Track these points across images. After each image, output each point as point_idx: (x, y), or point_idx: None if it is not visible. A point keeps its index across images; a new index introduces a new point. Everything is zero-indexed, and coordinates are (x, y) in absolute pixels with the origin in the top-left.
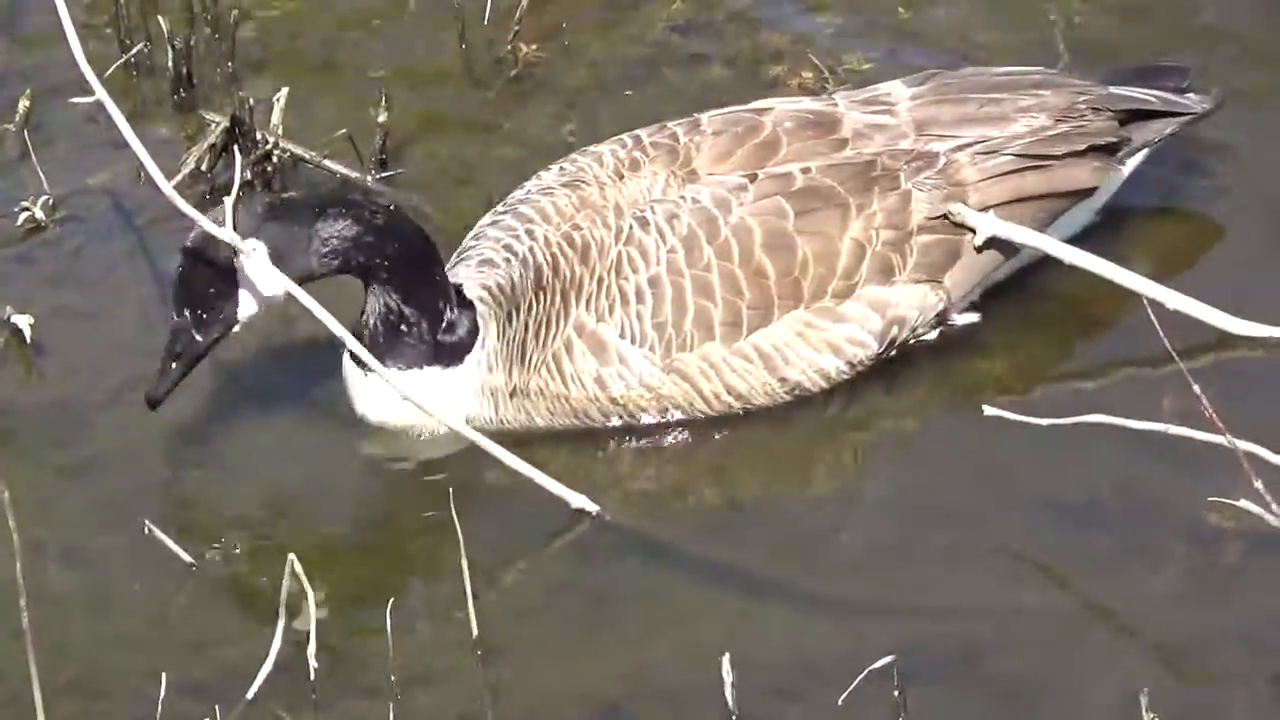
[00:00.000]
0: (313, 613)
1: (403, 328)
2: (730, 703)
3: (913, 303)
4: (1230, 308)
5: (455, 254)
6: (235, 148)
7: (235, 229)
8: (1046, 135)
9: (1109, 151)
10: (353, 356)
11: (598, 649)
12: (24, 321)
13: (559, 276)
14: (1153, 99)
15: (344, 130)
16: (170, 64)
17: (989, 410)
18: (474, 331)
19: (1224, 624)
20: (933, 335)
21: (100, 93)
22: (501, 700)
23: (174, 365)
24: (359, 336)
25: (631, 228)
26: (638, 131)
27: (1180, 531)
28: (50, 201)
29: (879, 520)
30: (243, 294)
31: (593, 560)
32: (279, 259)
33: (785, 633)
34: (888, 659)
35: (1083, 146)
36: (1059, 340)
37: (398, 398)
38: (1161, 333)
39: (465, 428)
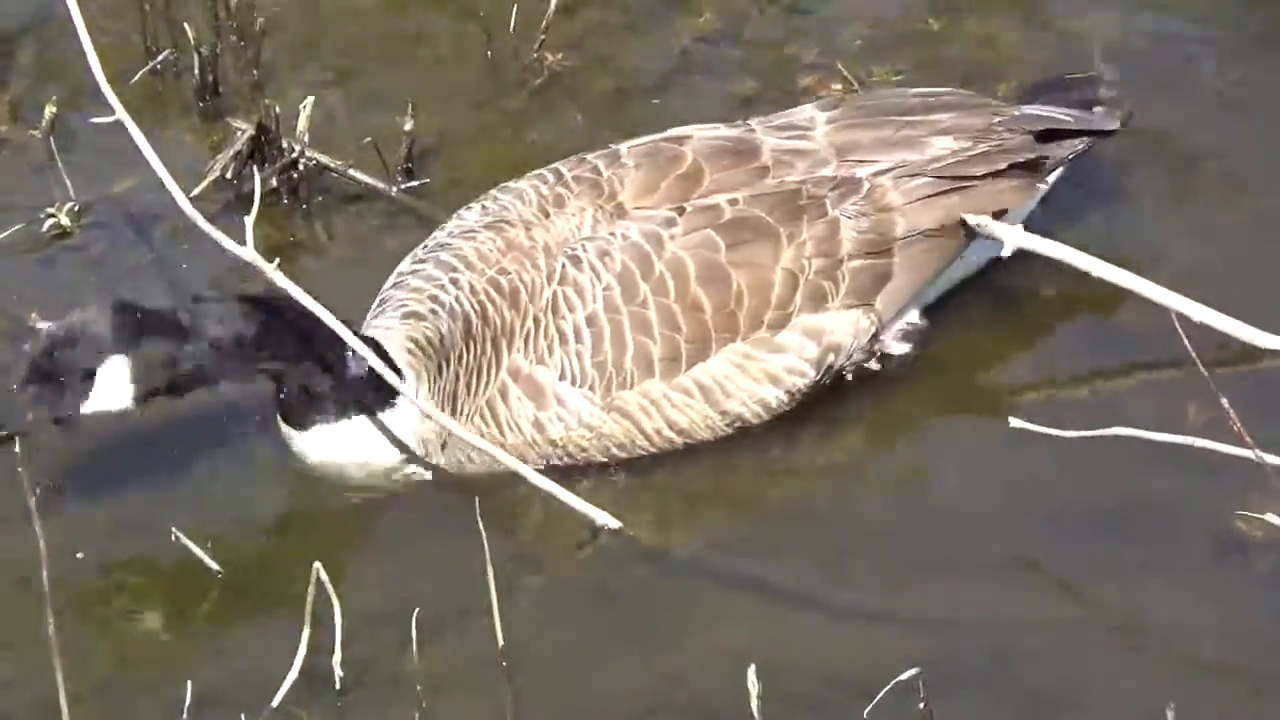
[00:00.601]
0: (338, 621)
1: (311, 383)
2: (756, 714)
3: (847, 328)
4: (1254, 318)
5: (376, 300)
6: (258, 157)
7: (106, 341)
8: (966, 156)
9: (1029, 169)
10: (281, 408)
11: (623, 659)
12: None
13: (488, 324)
14: (1066, 118)
15: (369, 139)
16: (196, 71)
17: (1015, 422)
18: (393, 369)
19: (1253, 636)
20: (875, 365)
21: (120, 113)
22: (526, 709)
23: None
24: (279, 402)
25: (564, 267)
26: (557, 165)
27: (1208, 543)
28: (75, 208)
29: (904, 532)
30: (92, 396)
31: (618, 571)
32: (137, 379)
33: (811, 643)
34: (913, 671)
35: (1004, 165)
36: (1080, 350)
37: (334, 440)
38: (1190, 346)
39: (487, 444)
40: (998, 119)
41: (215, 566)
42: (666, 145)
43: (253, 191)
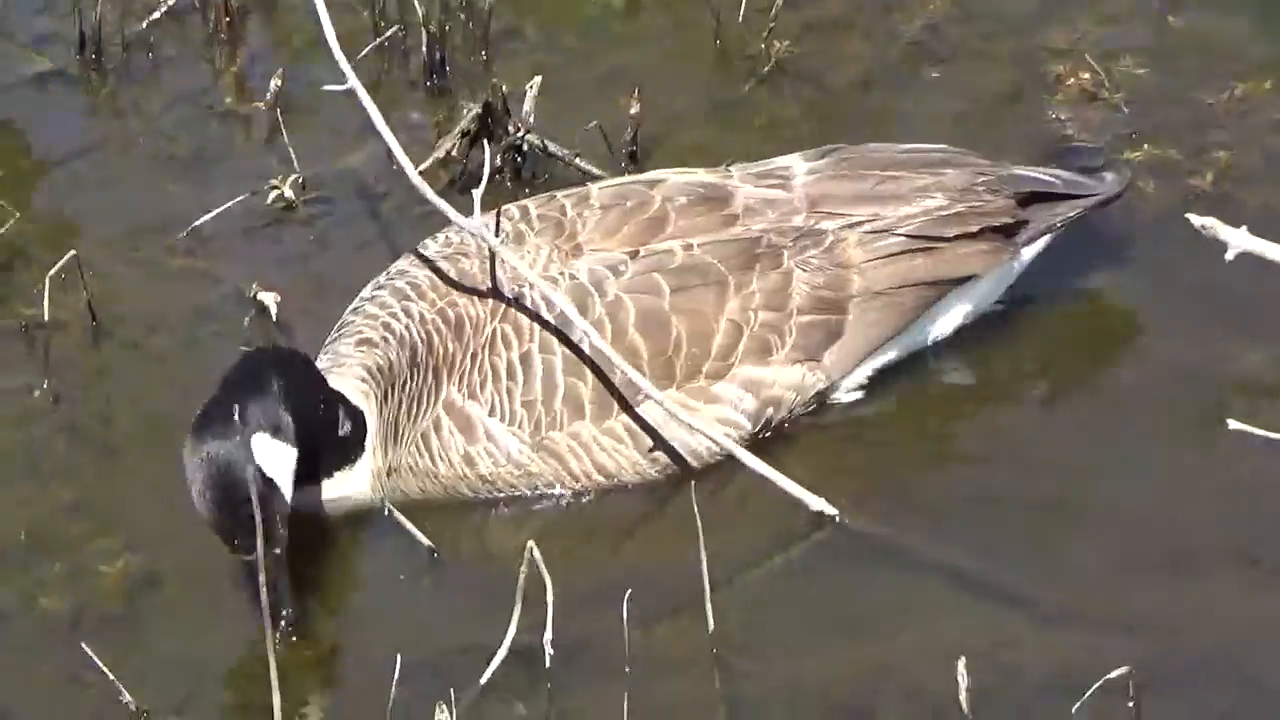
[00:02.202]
0: (550, 600)
1: (319, 449)
2: (964, 706)
3: (789, 383)
4: None
5: (335, 328)
6: (484, 136)
7: (241, 446)
8: (939, 215)
9: (1005, 234)
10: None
11: (835, 647)
12: (270, 299)
13: (432, 353)
14: (1054, 180)
15: (595, 122)
16: (423, 48)
17: (1233, 425)
18: (362, 424)
19: None
20: (810, 411)
21: (353, 81)
22: (736, 694)
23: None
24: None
25: (508, 304)
26: (526, 203)
27: None
28: (300, 181)
29: (1119, 530)
30: (281, 483)
31: (833, 559)
32: (283, 434)
33: (1023, 638)
34: (1123, 669)
35: (976, 228)
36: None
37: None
38: None
39: (716, 431)
40: (982, 178)
41: (430, 544)
42: (636, 189)
43: (475, 171)
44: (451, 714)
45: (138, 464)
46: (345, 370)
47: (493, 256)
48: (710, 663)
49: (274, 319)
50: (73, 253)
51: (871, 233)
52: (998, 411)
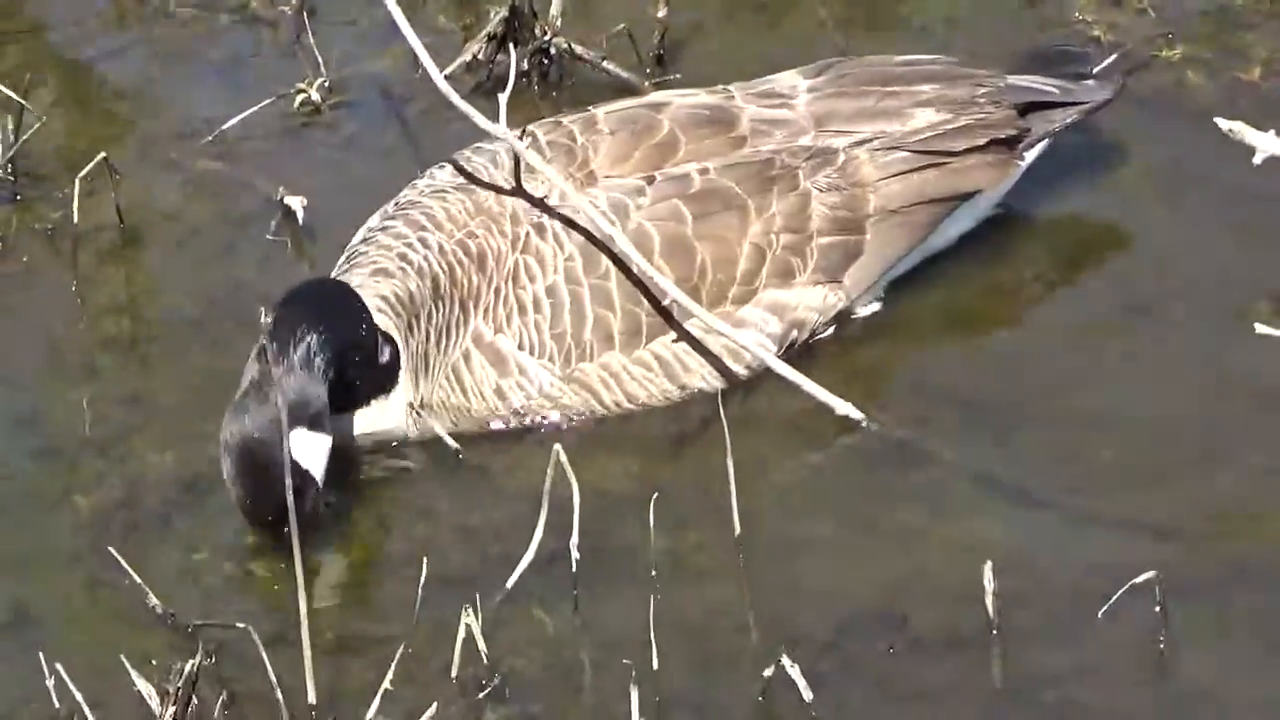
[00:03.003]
0: (576, 504)
1: (356, 380)
2: (990, 610)
3: (812, 304)
4: None
5: (344, 254)
6: (511, 40)
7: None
8: (945, 129)
9: (1009, 144)
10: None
11: (861, 551)
12: (297, 203)
13: (456, 285)
14: (1052, 89)
15: (623, 25)
16: None
17: (1260, 329)
18: (396, 352)
19: None
20: (829, 331)
21: None
22: (761, 598)
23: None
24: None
25: (528, 235)
26: (533, 128)
27: None
28: (326, 85)
29: (1150, 437)
30: (315, 469)
31: (859, 465)
32: (317, 424)
33: (1051, 543)
34: (1150, 574)
35: (983, 140)
36: None
37: (359, 421)
38: None
39: (750, 340)
40: (982, 90)
41: (456, 446)
42: (644, 112)
43: (501, 75)
44: (477, 618)
45: (164, 365)
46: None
47: (517, 163)
48: (736, 569)
49: (300, 223)
50: (102, 155)
51: (881, 149)
52: (1017, 317)
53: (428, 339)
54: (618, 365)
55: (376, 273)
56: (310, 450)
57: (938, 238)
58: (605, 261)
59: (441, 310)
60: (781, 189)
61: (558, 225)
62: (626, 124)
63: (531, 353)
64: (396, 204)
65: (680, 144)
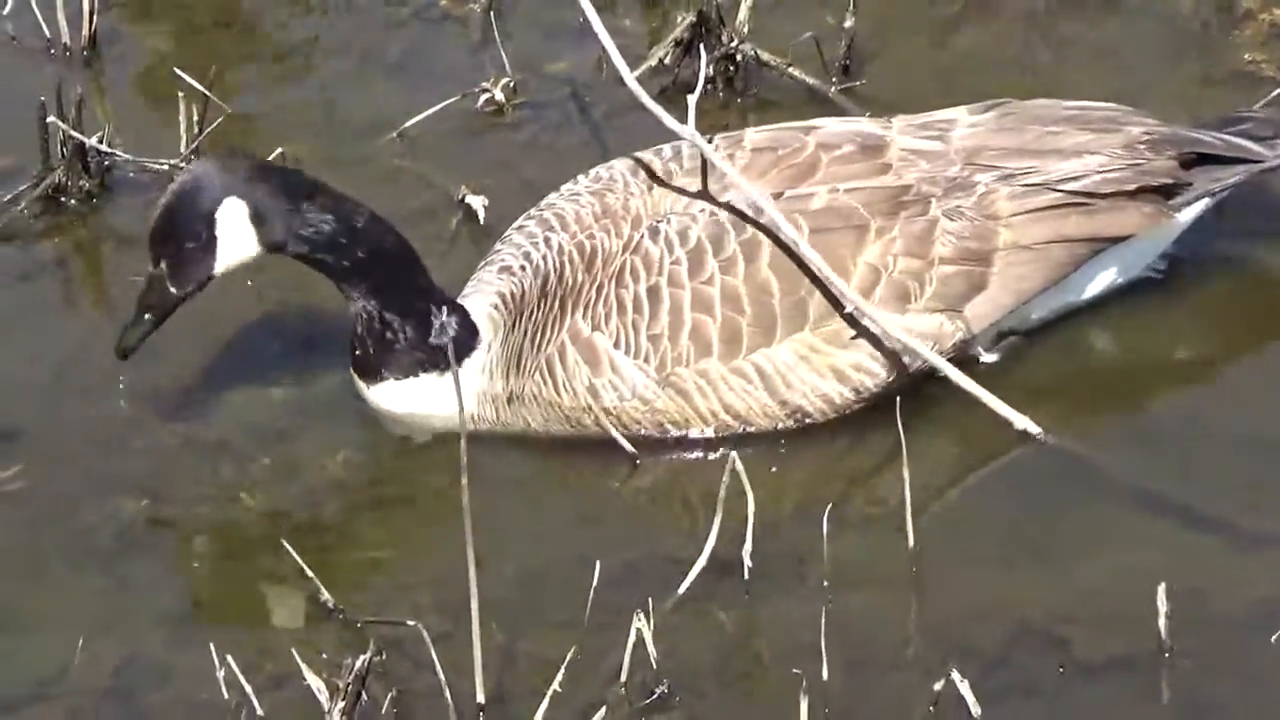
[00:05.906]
0: (751, 512)
1: (388, 335)
2: (1163, 633)
3: (926, 331)
4: None
5: (491, 250)
6: (697, 46)
7: (217, 187)
8: (1098, 173)
9: (1164, 194)
10: (353, 354)
11: (1033, 569)
12: (478, 203)
13: (562, 283)
14: (1217, 142)
15: (810, 34)
16: None
17: None
18: (472, 334)
19: None
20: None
21: None
22: (932, 611)
23: (146, 316)
24: (353, 352)
25: (642, 237)
26: (679, 143)
27: None
28: (511, 85)
29: None
30: (220, 248)
31: (1035, 482)
32: (257, 221)
33: (1225, 568)
34: None
35: (1133, 187)
36: None
37: (401, 395)
38: None
39: (918, 344)
40: (1146, 137)
41: (632, 450)
42: (790, 134)
43: (686, 80)
44: (649, 622)
45: (340, 363)
46: (481, 294)
47: (704, 164)
48: (908, 579)
49: (481, 222)
50: (280, 150)
51: (1025, 186)
52: (1199, 340)
53: (524, 335)
54: (715, 373)
55: (502, 270)
56: (233, 228)
57: (1079, 287)
58: (711, 266)
59: (542, 307)
60: (910, 214)
61: (673, 229)
62: (773, 144)
63: (627, 352)
64: (538, 206)
65: (821, 166)
